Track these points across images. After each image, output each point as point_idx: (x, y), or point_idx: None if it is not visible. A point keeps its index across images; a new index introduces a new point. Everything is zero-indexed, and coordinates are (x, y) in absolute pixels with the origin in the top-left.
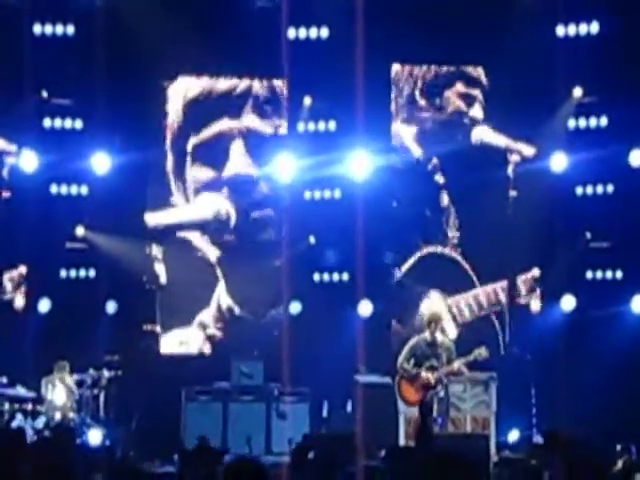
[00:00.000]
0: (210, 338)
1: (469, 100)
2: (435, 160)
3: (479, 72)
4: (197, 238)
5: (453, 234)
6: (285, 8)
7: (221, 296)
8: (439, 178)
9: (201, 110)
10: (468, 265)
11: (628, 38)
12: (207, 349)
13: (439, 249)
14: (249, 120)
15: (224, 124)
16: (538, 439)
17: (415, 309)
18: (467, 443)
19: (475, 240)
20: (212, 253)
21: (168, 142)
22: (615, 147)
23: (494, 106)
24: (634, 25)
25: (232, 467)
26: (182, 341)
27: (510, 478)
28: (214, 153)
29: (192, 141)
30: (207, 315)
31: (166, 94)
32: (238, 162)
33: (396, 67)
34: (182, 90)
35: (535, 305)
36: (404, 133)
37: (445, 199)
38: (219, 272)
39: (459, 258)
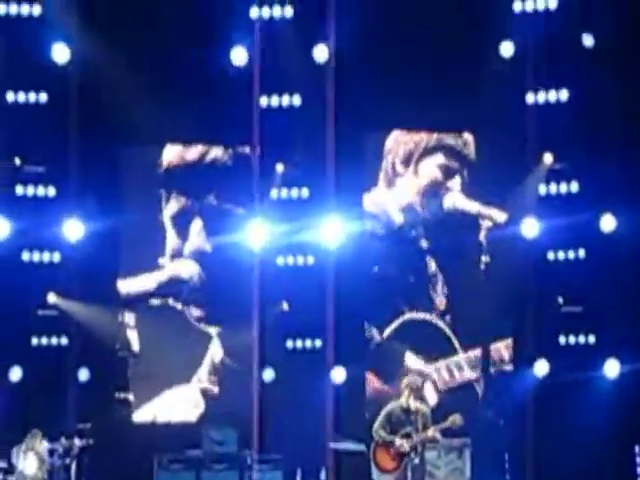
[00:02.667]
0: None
1: (448, 172)
2: (419, 226)
3: (465, 140)
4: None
5: (440, 300)
6: (257, 76)
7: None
8: (423, 244)
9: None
10: (450, 331)
11: (597, 105)
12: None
13: (422, 315)
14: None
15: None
16: None
17: (399, 367)
18: None
19: (455, 306)
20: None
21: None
22: (586, 213)
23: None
24: (603, 92)
25: None
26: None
27: None
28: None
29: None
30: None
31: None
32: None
33: (395, 134)
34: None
35: (508, 370)
36: (385, 199)
37: (432, 265)
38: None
39: (441, 324)
